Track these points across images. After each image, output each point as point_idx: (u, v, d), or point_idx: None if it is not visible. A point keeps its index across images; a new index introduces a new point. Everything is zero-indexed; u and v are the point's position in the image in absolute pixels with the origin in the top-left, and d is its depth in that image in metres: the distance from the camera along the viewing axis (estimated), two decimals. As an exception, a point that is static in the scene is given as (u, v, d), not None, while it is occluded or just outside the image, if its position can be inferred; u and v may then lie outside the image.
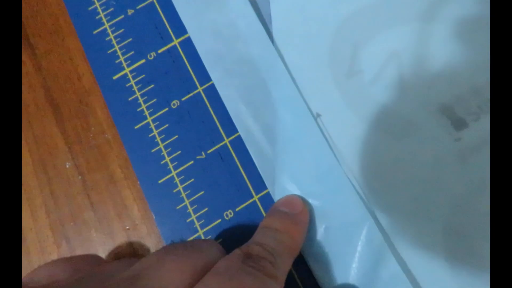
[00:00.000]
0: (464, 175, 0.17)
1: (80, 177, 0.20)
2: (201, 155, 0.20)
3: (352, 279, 0.17)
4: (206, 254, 0.14)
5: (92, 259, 0.16)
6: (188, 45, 0.21)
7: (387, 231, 0.17)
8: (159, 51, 0.21)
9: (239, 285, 0.12)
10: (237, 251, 0.14)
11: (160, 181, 0.19)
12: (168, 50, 0.21)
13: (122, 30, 0.22)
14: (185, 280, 0.13)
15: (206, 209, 0.19)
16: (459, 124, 0.18)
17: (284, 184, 0.18)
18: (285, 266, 0.15)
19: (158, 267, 0.13)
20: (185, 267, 0.13)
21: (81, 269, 0.15)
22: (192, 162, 0.20)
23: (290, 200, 0.18)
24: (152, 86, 0.21)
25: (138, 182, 0.20)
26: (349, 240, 0.17)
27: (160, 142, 0.20)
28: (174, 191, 0.19)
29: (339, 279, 0.17)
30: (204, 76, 0.21)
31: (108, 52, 0.21)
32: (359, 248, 0.17)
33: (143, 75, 0.21)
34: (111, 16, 0.22)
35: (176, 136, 0.20)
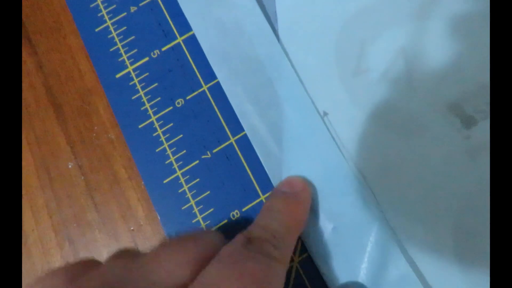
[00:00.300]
0: (474, 173, 0.17)
1: (83, 178, 0.20)
2: (207, 154, 0.19)
3: (361, 279, 0.17)
4: (204, 244, 0.13)
5: (89, 263, 0.16)
6: (192, 42, 0.21)
7: (396, 231, 0.17)
8: (163, 49, 0.21)
9: (242, 271, 0.12)
10: (239, 236, 0.14)
11: (165, 181, 0.19)
12: (172, 47, 0.21)
13: (125, 27, 0.21)
14: (183, 271, 0.12)
15: (212, 209, 0.19)
16: (468, 122, 0.18)
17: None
18: (288, 245, 0.15)
19: (154, 262, 0.12)
20: (182, 259, 0.12)
21: (78, 274, 0.14)
22: (197, 161, 0.19)
23: (290, 180, 0.18)
24: (156, 84, 0.20)
25: (143, 182, 0.19)
26: (358, 241, 0.17)
27: (164, 141, 0.20)
28: (179, 191, 0.19)
29: (348, 279, 0.17)
30: (209, 74, 0.20)
31: (111, 50, 0.21)
32: (368, 249, 0.17)
33: (147, 74, 0.21)
34: (114, 13, 0.21)
35: (181, 136, 0.20)
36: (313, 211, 0.18)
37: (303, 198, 0.17)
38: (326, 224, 0.18)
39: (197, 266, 0.13)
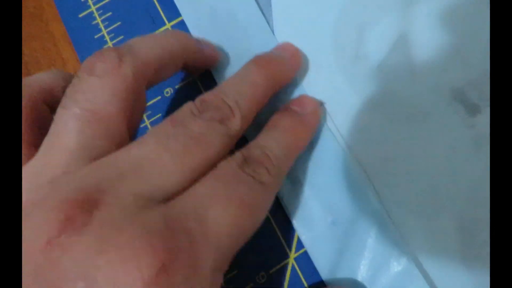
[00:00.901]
0: (479, 164, 0.16)
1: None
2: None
3: (361, 275, 0.16)
4: (209, 148, 0.13)
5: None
6: (181, 29, 0.20)
7: (397, 224, 0.16)
8: (151, 36, 0.20)
9: (233, 193, 0.12)
10: (238, 154, 0.14)
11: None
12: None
13: (110, 13, 0.20)
14: (183, 178, 0.12)
15: None
16: (472, 109, 0.17)
17: (288, 177, 0.17)
18: (283, 171, 0.15)
19: (156, 162, 0.12)
20: (185, 167, 0.12)
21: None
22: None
23: (303, 99, 0.17)
24: (144, 73, 0.19)
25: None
26: (358, 236, 0.16)
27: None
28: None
29: (347, 276, 0.16)
30: (199, 62, 0.19)
31: (95, 37, 0.20)
32: (368, 244, 0.16)
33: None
34: (98, -2, 0.20)
35: (170, 127, 0.19)
36: (311, 205, 0.17)
37: (310, 122, 0.17)
38: (324, 218, 0.17)
39: (196, 172, 0.13)
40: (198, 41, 0.17)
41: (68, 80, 0.14)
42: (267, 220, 0.17)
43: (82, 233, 0.10)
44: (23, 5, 0.21)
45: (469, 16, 0.18)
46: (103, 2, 0.20)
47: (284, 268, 0.17)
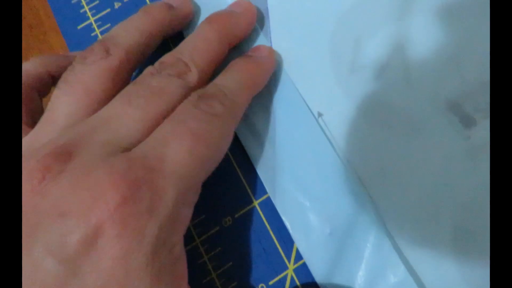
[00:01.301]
0: (474, 175, 0.16)
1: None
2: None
3: (358, 287, 0.16)
4: (169, 98, 0.14)
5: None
6: (180, 40, 0.20)
7: (394, 234, 0.17)
8: (149, 47, 0.20)
9: (184, 129, 0.13)
10: (192, 94, 0.15)
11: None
12: (159, 46, 0.20)
13: (109, 25, 0.20)
14: (146, 126, 0.14)
15: (203, 216, 0.18)
16: (467, 121, 0.17)
17: (285, 187, 0.18)
18: (237, 101, 0.16)
19: (121, 116, 0.14)
20: (148, 116, 0.14)
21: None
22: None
23: (258, 46, 0.19)
24: (143, 84, 0.19)
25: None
26: (355, 246, 0.16)
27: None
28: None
29: (345, 287, 0.16)
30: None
31: (94, 48, 0.20)
32: (365, 255, 0.16)
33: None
34: (97, 9, 0.20)
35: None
36: (308, 216, 0.17)
37: (266, 63, 0.18)
38: (322, 229, 0.17)
39: (158, 120, 0.14)
40: (170, 8, 0.18)
41: (50, 64, 0.17)
42: (266, 232, 0.18)
43: (58, 179, 0.12)
44: (22, 17, 0.21)
45: (466, 28, 0.18)
46: (102, 14, 0.20)
47: (283, 280, 0.17)
